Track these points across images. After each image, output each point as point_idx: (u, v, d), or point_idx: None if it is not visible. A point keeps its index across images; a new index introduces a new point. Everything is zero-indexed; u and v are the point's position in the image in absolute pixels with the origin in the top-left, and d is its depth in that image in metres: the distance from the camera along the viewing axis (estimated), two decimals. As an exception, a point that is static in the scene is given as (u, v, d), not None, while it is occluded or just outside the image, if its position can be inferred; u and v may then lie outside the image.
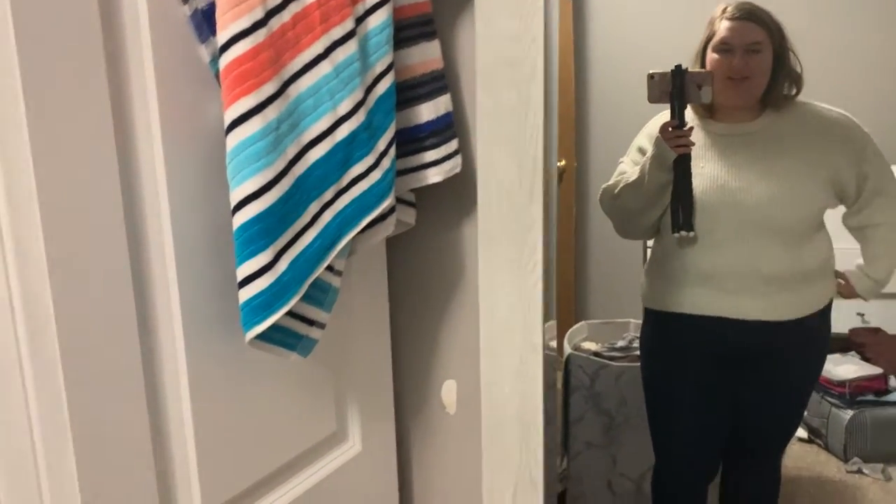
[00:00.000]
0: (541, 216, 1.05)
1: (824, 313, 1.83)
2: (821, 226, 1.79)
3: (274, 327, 0.77)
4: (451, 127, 0.98)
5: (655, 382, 2.01)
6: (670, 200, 1.76)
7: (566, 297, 3.79)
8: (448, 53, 1.01)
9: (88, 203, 0.66)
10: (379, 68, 0.84)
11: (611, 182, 1.90)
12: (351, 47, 0.80)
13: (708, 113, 1.80)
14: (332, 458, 0.99)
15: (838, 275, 1.87)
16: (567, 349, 2.66)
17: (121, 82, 0.69)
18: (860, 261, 1.87)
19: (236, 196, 0.73)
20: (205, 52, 0.76)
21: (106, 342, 0.69)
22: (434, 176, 0.96)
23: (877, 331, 3.38)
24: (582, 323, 2.95)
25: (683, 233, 1.73)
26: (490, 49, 1.01)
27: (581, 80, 3.82)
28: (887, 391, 2.98)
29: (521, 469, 1.11)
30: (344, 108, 0.79)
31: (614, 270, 3.83)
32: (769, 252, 1.71)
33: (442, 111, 0.96)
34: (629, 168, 1.87)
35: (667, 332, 1.91)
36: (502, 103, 1.02)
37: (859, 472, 2.83)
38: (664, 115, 1.87)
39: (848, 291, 1.88)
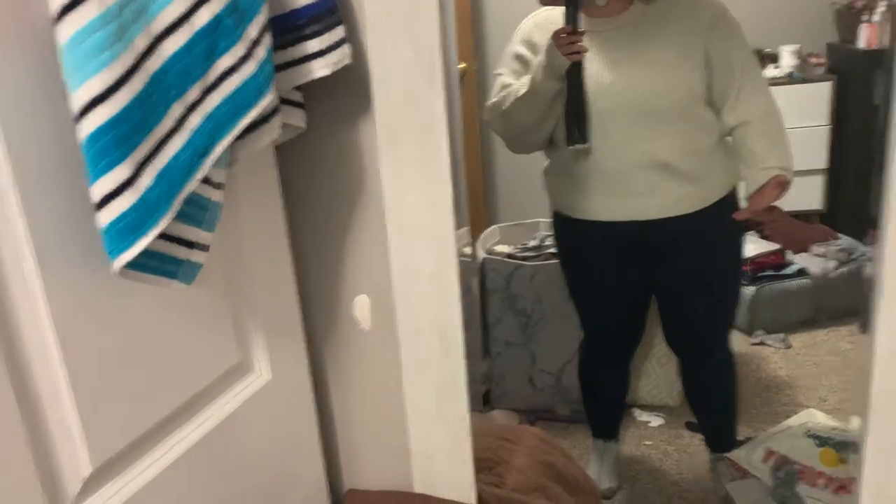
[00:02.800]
0: (444, 110, 0.96)
1: (729, 199, 1.83)
2: (707, 108, 1.74)
3: (147, 253, 0.66)
4: (334, 12, 0.86)
5: (572, 270, 2.04)
6: (564, 111, 1.69)
7: (476, 202, 3.76)
8: (323, -74, 0.89)
9: None
10: (240, -59, 0.72)
11: (496, 98, 1.79)
12: (202, -86, 0.67)
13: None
14: (239, 390, 0.91)
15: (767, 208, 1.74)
16: (481, 254, 2.63)
17: None
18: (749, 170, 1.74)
19: (79, 99, 0.60)
20: (16, -74, 0.62)
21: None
22: (320, 69, 0.85)
23: (772, 209, 3.51)
24: (493, 227, 2.93)
25: (578, 145, 1.69)
26: (371, -81, 0.89)
27: (474, -23, 3.66)
28: (785, 265, 3.12)
29: (444, 377, 1.06)
30: (201, -13, 0.67)
31: (521, 172, 3.80)
32: (663, 142, 1.69)
33: (322, -6, 0.84)
34: (512, 80, 1.78)
35: (576, 232, 1.91)
36: (390, -18, 0.91)
37: (762, 343, 2.99)
38: (538, 14, 1.78)
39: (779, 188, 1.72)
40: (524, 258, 2.62)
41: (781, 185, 1.71)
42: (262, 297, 0.95)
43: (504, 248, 2.75)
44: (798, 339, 3.00)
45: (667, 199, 1.75)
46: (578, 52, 1.62)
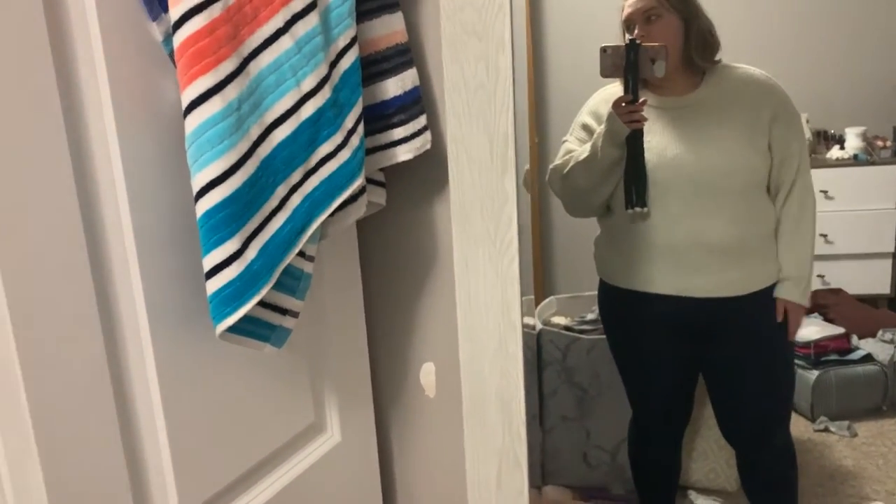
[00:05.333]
0: (514, 191, 1.03)
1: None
2: (766, 195, 1.80)
3: (245, 318, 0.73)
4: (418, 102, 0.94)
5: (617, 344, 2.06)
6: (623, 176, 1.75)
7: (534, 273, 3.80)
8: (412, 26, 0.98)
9: (40, 196, 0.62)
10: (342, 42, 0.80)
11: (559, 162, 1.88)
12: (312, 20, 0.76)
13: (647, 87, 1.80)
14: (312, 449, 0.96)
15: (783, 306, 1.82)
16: (538, 324, 2.66)
17: (68, 67, 0.65)
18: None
19: (199, 181, 0.68)
20: (156, 31, 0.72)
21: (67, 342, 0.64)
22: (404, 154, 0.93)
23: (838, 292, 3.45)
24: (551, 298, 2.96)
25: (637, 209, 1.73)
26: (455, 20, 0.98)
27: (538, 54, 3.79)
28: (850, 350, 3.05)
29: (505, 448, 1.10)
30: (308, 84, 0.75)
31: (579, 244, 3.84)
32: (718, 222, 1.73)
33: (409, 86, 0.92)
34: (576, 146, 1.86)
35: (621, 304, 1.93)
36: (470, 77, 0.99)
37: (826, 430, 2.90)
38: (607, 90, 1.87)
39: (795, 315, 1.83)
40: (581, 331, 2.63)
41: (784, 311, 1.80)
42: (337, 362, 1.01)
43: (561, 320, 2.77)
44: (864, 428, 2.90)
45: (712, 280, 1.77)
46: (638, 121, 1.69)
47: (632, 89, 1.69)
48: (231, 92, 0.69)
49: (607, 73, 1.72)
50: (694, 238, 1.74)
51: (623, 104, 1.69)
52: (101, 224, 0.68)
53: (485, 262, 1.05)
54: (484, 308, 1.07)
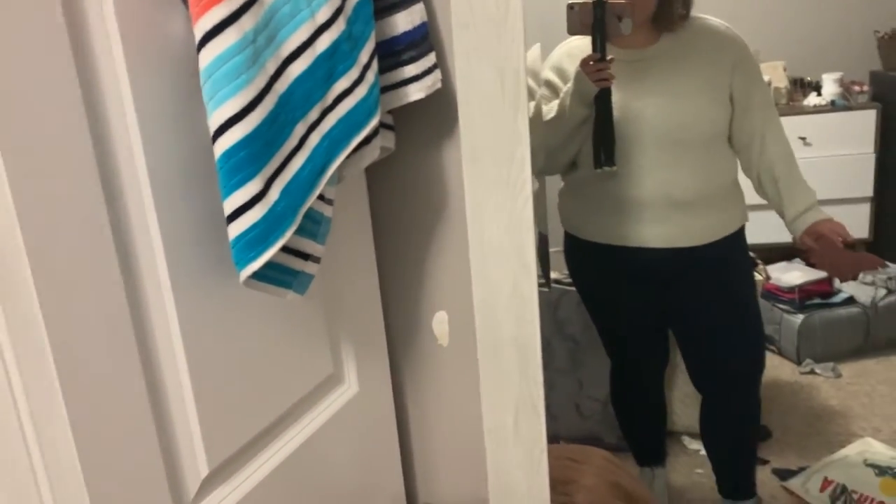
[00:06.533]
0: (527, 131, 1.00)
1: (737, 237, 1.86)
2: (727, 146, 1.81)
3: (268, 264, 0.70)
4: (427, 38, 0.90)
5: (586, 294, 2.09)
6: (592, 136, 1.74)
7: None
8: (417, -41, 0.93)
9: (53, 141, 0.58)
10: (353, -28, 0.76)
11: None
12: (324, -52, 0.72)
13: (608, 39, 1.78)
14: (331, 401, 0.94)
15: (814, 242, 1.87)
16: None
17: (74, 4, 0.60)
18: (787, 214, 1.86)
19: (217, 119, 0.65)
20: (161, -40, 0.67)
21: (88, 296, 0.61)
22: (416, 93, 0.89)
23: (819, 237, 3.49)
24: (539, 252, 2.95)
25: (606, 168, 1.72)
26: (462, -48, 0.94)
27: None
28: (832, 293, 3.09)
29: (522, 394, 1.08)
30: (322, 15, 0.71)
31: (561, 200, 3.84)
32: (682, 173, 1.73)
33: (418, 21, 0.88)
34: (541, 103, 1.84)
35: (587, 255, 1.95)
36: (479, 10, 0.96)
37: (812, 372, 2.95)
38: (570, 43, 1.84)
39: (833, 227, 1.87)
40: (570, 283, 2.63)
41: (814, 236, 1.85)
42: (352, 312, 0.98)
43: (551, 274, 2.77)
44: (848, 369, 2.96)
45: (676, 230, 1.78)
46: (606, 80, 1.67)
47: (599, 47, 1.67)
48: (246, 22, 0.65)
49: (574, 30, 1.70)
50: (659, 190, 1.74)
51: (591, 62, 1.67)
52: (117, 169, 0.64)
53: (498, 206, 1.03)
54: (497, 252, 1.05)
